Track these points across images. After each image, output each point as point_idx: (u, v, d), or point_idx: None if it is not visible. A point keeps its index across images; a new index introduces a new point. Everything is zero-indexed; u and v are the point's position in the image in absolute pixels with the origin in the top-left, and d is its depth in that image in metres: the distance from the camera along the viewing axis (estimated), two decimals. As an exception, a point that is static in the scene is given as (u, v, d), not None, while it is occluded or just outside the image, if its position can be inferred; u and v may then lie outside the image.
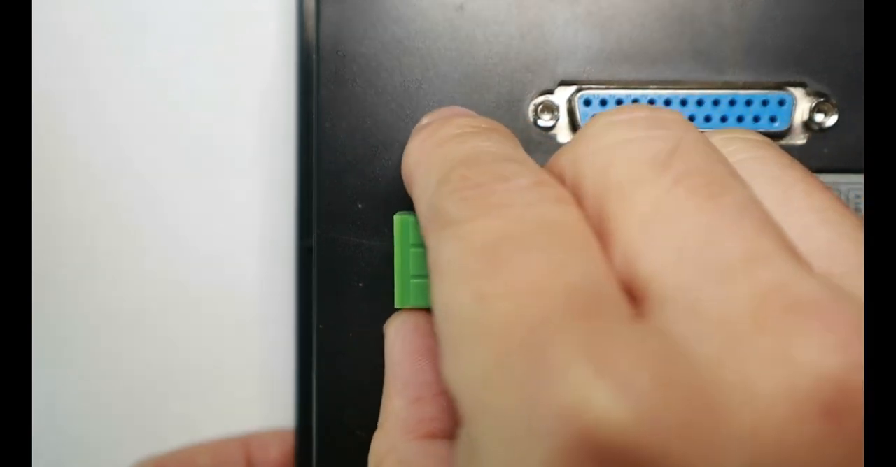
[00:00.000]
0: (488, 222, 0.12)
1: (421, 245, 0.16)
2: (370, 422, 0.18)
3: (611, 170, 0.12)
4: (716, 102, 0.18)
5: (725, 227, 0.11)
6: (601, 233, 0.12)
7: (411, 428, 0.15)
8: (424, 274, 0.17)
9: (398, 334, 0.16)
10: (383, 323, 0.18)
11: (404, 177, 0.15)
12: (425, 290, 0.17)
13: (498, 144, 0.14)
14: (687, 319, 0.10)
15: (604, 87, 0.18)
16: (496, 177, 0.13)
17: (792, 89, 0.18)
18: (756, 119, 0.18)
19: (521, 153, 0.14)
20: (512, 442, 0.10)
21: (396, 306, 0.17)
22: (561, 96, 0.18)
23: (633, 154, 0.12)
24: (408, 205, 0.16)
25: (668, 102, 0.18)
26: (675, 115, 0.13)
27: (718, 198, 0.11)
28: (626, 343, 0.10)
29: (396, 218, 0.17)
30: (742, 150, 0.14)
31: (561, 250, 0.11)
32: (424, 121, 0.17)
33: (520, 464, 0.10)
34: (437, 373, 0.15)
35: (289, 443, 0.23)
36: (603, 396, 0.09)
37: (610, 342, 0.10)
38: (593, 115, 0.14)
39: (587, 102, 0.18)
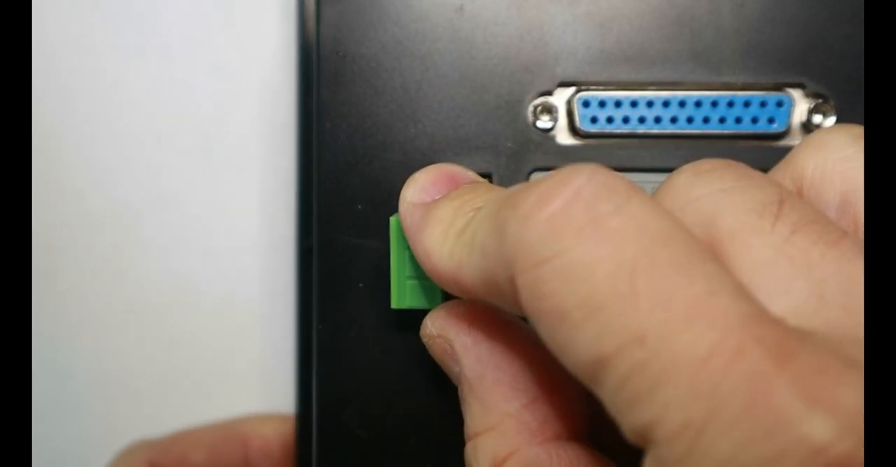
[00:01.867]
0: (593, 249, 0.11)
1: None
2: (370, 422, 0.19)
3: (720, 218, 0.13)
4: (714, 103, 0.18)
5: (856, 272, 0.12)
6: None
7: (535, 431, 0.14)
8: (420, 275, 0.16)
9: (472, 336, 0.15)
10: (383, 323, 0.18)
11: (451, 274, 0.14)
12: (421, 291, 0.17)
13: (485, 184, 0.14)
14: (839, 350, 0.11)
15: (603, 88, 0.18)
16: (546, 195, 0.12)
17: (790, 90, 0.18)
18: (754, 120, 0.18)
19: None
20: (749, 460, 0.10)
21: (393, 307, 0.17)
22: (560, 97, 0.18)
23: (738, 202, 0.13)
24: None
25: (666, 103, 0.18)
26: (740, 164, 0.14)
27: (838, 245, 0.12)
28: (840, 373, 0.10)
29: (393, 220, 0.17)
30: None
31: (696, 263, 0.11)
32: (410, 196, 0.16)
33: None
34: (543, 374, 0.15)
35: (288, 437, 0.23)
36: (823, 422, 0.10)
37: (824, 375, 0.10)
38: (672, 174, 0.14)
39: (586, 103, 0.18)
